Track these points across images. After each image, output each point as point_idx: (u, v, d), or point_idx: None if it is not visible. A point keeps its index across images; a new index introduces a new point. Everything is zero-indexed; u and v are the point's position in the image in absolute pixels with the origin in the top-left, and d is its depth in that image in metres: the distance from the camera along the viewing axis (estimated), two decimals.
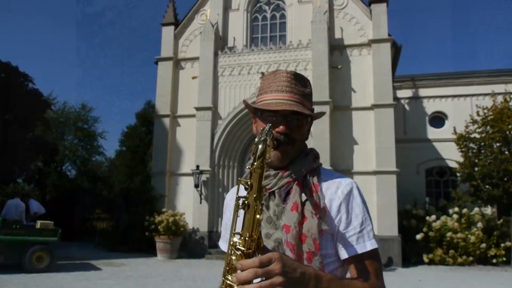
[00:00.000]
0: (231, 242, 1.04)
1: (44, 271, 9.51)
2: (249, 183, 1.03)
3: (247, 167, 1.09)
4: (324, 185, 1.26)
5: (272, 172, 1.27)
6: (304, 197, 1.22)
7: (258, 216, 1.01)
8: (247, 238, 1.00)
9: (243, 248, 1.01)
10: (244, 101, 1.42)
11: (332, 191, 1.24)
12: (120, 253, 13.72)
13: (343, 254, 1.21)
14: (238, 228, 1.04)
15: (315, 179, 1.25)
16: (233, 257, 1.02)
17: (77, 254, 13.08)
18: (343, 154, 13.58)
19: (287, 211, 1.21)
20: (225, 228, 1.41)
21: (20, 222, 10.08)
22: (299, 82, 1.28)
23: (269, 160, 1.06)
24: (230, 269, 1.03)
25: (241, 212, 1.03)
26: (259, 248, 1.03)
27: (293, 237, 1.17)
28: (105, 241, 15.62)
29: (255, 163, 1.03)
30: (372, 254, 1.21)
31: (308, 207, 1.20)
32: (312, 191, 1.23)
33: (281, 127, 1.22)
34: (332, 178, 1.28)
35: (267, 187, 1.25)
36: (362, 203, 1.24)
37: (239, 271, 0.97)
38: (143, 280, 9.13)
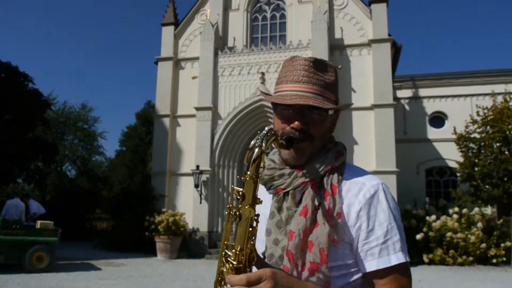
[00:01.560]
0: (223, 253, 0.98)
1: (44, 271, 9.52)
2: (241, 192, 0.95)
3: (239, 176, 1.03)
4: (345, 186, 1.11)
5: (287, 170, 1.14)
6: (318, 200, 1.08)
7: (250, 229, 0.94)
8: (237, 252, 0.94)
9: (234, 262, 0.94)
10: (262, 92, 1.29)
11: (353, 194, 1.09)
12: (120, 253, 13.72)
13: (363, 268, 1.06)
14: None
15: (334, 180, 1.10)
16: (224, 269, 0.97)
17: (77, 254, 13.08)
18: None
19: (296, 216, 1.09)
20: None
21: (20, 222, 10.09)
22: (319, 70, 1.13)
23: (263, 168, 0.97)
24: (222, 279, 0.99)
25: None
26: (251, 263, 0.96)
27: (295, 245, 1.05)
28: (105, 241, 15.62)
29: (248, 172, 0.95)
30: (399, 269, 1.04)
31: (321, 212, 1.07)
32: (327, 193, 1.08)
33: (296, 122, 1.10)
34: (356, 179, 1.11)
35: (281, 187, 1.13)
36: (388, 209, 1.07)
37: (228, 286, 0.93)
38: (143, 280, 9.13)
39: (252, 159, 0.95)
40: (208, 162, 14.42)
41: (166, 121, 15.62)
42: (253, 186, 0.94)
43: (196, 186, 14.12)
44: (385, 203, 1.07)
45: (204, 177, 14.28)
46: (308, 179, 1.11)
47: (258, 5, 16.05)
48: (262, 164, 0.96)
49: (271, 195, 1.17)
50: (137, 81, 67.56)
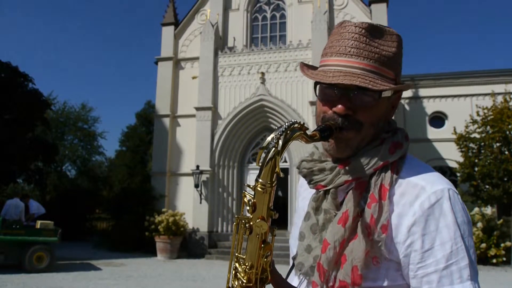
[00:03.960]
0: (233, 266, 0.86)
1: (44, 271, 9.52)
2: (251, 202, 0.80)
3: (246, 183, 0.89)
4: (400, 189, 0.87)
5: (328, 164, 0.94)
6: (362, 206, 0.88)
7: (263, 245, 0.80)
8: (247, 269, 0.82)
9: (243, 280, 0.82)
10: (302, 64, 1.00)
11: (407, 202, 0.85)
12: (120, 253, 13.71)
13: None
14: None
15: (386, 180, 0.88)
16: (234, 284, 0.86)
17: (77, 254, 13.07)
18: None
19: (333, 223, 0.89)
20: (295, 222, 1.09)
21: (20, 222, 10.09)
22: (374, 39, 0.90)
23: (278, 174, 0.79)
24: None
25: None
26: (264, 282, 0.84)
27: (328, 260, 0.87)
28: (105, 241, 15.62)
29: (260, 179, 0.78)
30: None
31: (363, 221, 0.87)
32: (373, 199, 0.86)
33: (339, 106, 0.89)
34: (415, 180, 0.87)
35: (321, 183, 0.94)
36: (455, 224, 0.82)
37: None
38: (143, 280, 9.13)
39: (265, 163, 0.78)
40: (208, 162, 14.42)
41: (166, 121, 15.63)
42: (266, 197, 0.79)
43: (196, 186, 14.12)
44: (450, 216, 0.82)
45: (204, 177, 14.28)
46: (352, 178, 0.90)
47: (258, 5, 16.05)
48: (277, 169, 0.78)
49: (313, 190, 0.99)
50: (137, 81, 67.58)
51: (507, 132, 12.85)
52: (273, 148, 0.77)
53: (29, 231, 9.77)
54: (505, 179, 12.54)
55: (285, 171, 14.24)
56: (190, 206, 14.39)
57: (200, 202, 14.24)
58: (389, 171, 0.89)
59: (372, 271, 0.86)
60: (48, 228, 9.97)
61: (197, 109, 14.86)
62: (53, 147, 18.87)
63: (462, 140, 13.74)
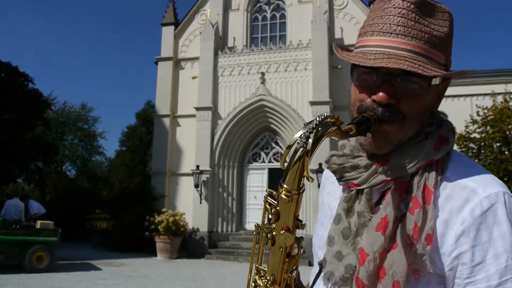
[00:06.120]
0: (252, 278, 0.77)
1: (44, 271, 9.52)
2: (274, 210, 0.70)
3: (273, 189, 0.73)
4: (446, 191, 0.76)
5: (363, 161, 0.82)
6: (403, 210, 0.76)
7: (287, 259, 0.72)
8: (268, 285, 0.73)
9: None
10: (335, 45, 0.86)
11: (455, 207, 0.74)
12: (120, 253, 13.71)
13: None
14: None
15: (430, 181, 0.76)
16: None
17: (77, 254, 13.07)
18: None
19: (370, 228, 0.78)
20: (320, 219, 0.98)
21: (20, 222, 10.09)
22: (424, 17, 0.77)
23: (307, 177, 0.68)
24: None
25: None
26: None
27: (367, 273, 0.75)
28: (105, 241, 15.62)
29: (285, 185, 0.68)
30: None
31: (404, 229, 0.75)
32: (416, 203, 0.74)
33: (380, 94, 0.76)
34: (464, 181, 0.76)
35: (355, 182, 0.82)
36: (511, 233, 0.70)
37: None
38: (143, 280, 9.13)
39: (291, 165, 0.67)
40: (208, 162, 14.42)
41: (166, 121, 15.63)
42: (292, 205, 0.69)
43: (196, 186, 14.13)
44: (506, 225, 0.71)
45: (204, 177, 14.28)
46: (390, 178, 0.79)
47: (258, 5, 16.05)
48: (305, 173, 0.67)
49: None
50: (137, 81, 67.63)
51: (507, 132, 12.85)
52: (301, 148, 0.66)
53: (29, 231, 9.77)
54: (505, 179, 12.54)
55: None
56: (190, 206, 14.39)
57: (200, 202, 14.24)
58: (434, 171, 0.77)
59: (412, 284, 0.75)
60: (48, 228, 9.97)
61: (197, 109, 14.86)
62: (53, 147, 18.90)
63: (462, 140, 13.74)
